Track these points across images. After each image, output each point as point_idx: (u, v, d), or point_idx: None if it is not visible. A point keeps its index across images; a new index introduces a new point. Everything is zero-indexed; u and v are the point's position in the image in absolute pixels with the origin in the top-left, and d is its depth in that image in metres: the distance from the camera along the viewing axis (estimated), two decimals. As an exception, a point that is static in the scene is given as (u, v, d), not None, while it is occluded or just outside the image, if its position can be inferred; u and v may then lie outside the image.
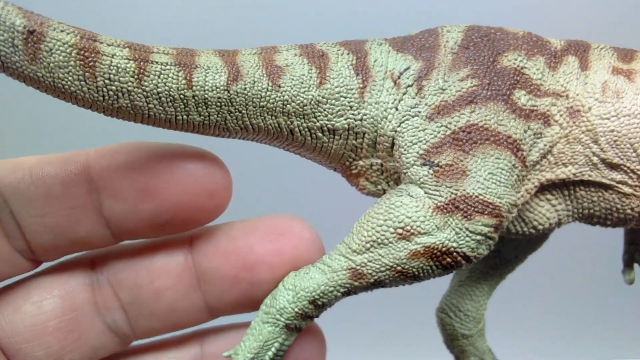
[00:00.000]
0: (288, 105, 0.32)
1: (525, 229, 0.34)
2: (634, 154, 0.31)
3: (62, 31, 0.27)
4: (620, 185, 0.32)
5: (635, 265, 0.40)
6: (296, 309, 0.31)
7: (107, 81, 0.28)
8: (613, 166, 0.32)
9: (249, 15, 0.82)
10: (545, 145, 0.32)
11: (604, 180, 0.32)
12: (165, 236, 0.33)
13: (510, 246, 0.39)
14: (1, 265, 0.31)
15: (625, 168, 0.32)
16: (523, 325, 0.90)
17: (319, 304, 0.31)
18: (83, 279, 0.33)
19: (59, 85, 0.28)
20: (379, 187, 0.34)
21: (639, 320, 0.89)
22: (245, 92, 0.31)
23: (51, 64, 0.27)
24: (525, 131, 0.32)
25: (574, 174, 0.32)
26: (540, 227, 0.33)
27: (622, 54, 0.33)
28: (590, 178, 0.32)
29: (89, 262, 0.33)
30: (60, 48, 0.27)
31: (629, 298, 0.86)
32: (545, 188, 0.33)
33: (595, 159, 0.32)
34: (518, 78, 0.32)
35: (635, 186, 0.32)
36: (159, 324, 0.33)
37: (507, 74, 0.32)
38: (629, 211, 0.32)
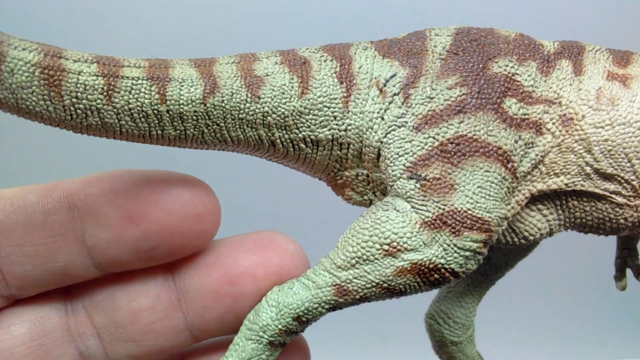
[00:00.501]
0: (269, 117, 0.30)
1: (515, 239, 0.33)
2: (628, 164, 0.30)
3: (23, 49, 0.26)
4: (613, 196, 0.31)
5: (628, 270, 0.40)
6: (280, 326, 0.30)
7: (74, 99, 0.27)
8: (607, 176, 0.31)
9: (234, 16, 0.80)
10: (536, 155, 0.31)
11: (597, 191, 0.31)
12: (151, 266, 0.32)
13: (500, 253, 0.39)
14: None
15: (619, 178, 0.31)
16: (523, 325, 0.90)
17: (303, 320, 0.30)
18: (56, 304, 0.32)
19: (23, 106, 0.26)
20: (366, 197, 0.33)
21: (638, 320, 0.89)
22: (223, 104, 0.29)
23: (13, 85, 0.26)
24: (516, 141, 0.30)
25: (566, 184, 0.31)
26: (531, 237, 0.33)
27: (618, 57, 0.32)
28: (583, 188, 0.31)
29: (63, 287, 0.32)
30: (22, 68, 0.26)
31: (629, 298, 0.85)
32: (537, 198, 0.32)
33: (588, 169, 0.31)
34: (509, 85, 0.30)
35: (629, 196, 0.31)
36: (136, 349, 0.32)
37: (498, 81, 0.30)
38: (622, 221, 0.32)
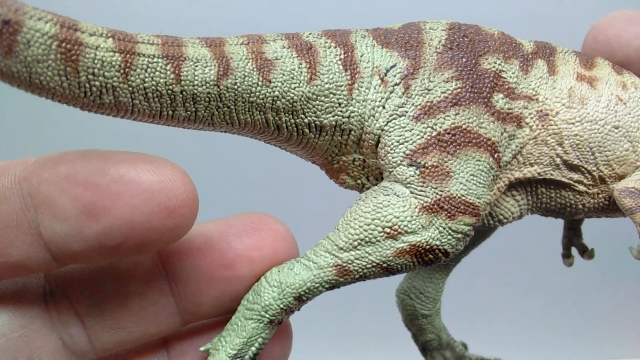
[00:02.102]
0: (278, 102, 0.31)
1: (491, 222, 0.36)
2: (592, 157, 0.34)
3: (39, 19, 0.24)
4: (576, 184, 0.35)
5: (574, 249, 0.45)
6: (282, 305, 0.31)
7: (90, 76, 0.25)
8: (573, 167, 0.35)
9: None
10: (516, 146, 0.34)
11: (563, 179, 0.35)
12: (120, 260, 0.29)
13: (470, 234, 0.42)
14: None
15: (582, 169, 0.35)
16: (522, 325, 0.90)
17: (303, 299, 0.32)
18: (36, 292, 0.29)
19: (36, 81, 0.24)
20: (359, 181, 0.35)
21: (638, 321, 0.89)
22: (236, 87, 0.29)
23: (28, 58, 0.24)
24: (502, 133, 0.33)
25: (538, 173, 0.35)
26: (505, 220, 0.36)
27: (584, 60, 0.36)
28: (552, 177, 0.35)
29: (43, 273, 0.30)
30: (40, 40, 0.24)
31: (629, 298, 0.87)
32: (512, 185, 0.35)
33: (558, 160, 0.34)
34: (497, 81, 0.33)
35: (589, 185, 0.35)
36: (123, 335, 0.30)
37: (488, 76, 0.33)
38: (580, 207, 0.36)
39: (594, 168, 0.35)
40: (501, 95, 0.33)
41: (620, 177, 0.35)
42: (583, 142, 0.34)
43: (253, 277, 0.31)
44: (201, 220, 0.32)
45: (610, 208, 0.36)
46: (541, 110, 0.34)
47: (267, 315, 0.31)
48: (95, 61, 0.25)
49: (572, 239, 0.45)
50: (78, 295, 0.30)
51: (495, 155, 0.33)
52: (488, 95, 0.33)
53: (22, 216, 0.26)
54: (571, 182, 0.35)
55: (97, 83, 0.26)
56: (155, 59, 0.27)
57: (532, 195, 0.36)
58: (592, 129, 0.34)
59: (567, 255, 0.45)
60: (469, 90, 0.32)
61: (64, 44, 0.24)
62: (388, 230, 0.31)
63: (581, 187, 0.35)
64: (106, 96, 0.26)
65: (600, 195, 0.35)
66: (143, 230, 0.26)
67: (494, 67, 0.33)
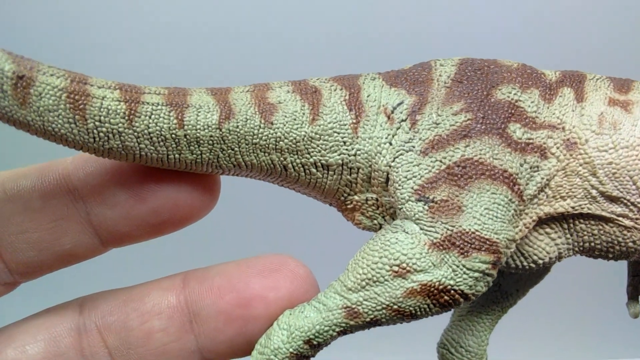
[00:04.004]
0: (281, 142, 0.31)
1: (525, 263, 0.33)
2: (633, 187, 0.31)
3: (51, 75, 0.27)
4: (620, 218, 0.31)
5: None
6: (291, 349, 0.30)
7: (97, 123, 0.28)
8: (613, 199, 0.31)
9: (245, 45, 0.83)
10: (542, 178, 0.31)
11: (603, 214, 0.31)
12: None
13: (511, 280, 0.39)
14: None
15: (625, 201, 0.31)
16: (522, 325, 0.87)
17: (314, 344, 0.31)
18: (70, 324, 0.32)
19: (49, 128, 0.28)
20: (375, 221, 0.34)
21: (638, 320, 0.88)
22: (238, 129, 0.31)
23: (41, 108, 0.27)
24: (521, 165, 0.31)
25: (572, 207, 0.32)
26: (540, 261, 0.33)
27: (619, 85, 0.33)
28: (589, 211, 0.32)
29: (77, 306, 0.33)
30: (50, 92, 0.27)
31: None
32: (544, 222, 0.32)
33: (594, 192, 0.31)
34: (512, 111, 0.32)
35: (637, 219, 0.31)
36: None
37: (502, 107, 0.32)
38: (630, 244, 0.32)
39: (639, 199, 0.31)
40: (518, 125, 0.31)
41: None
42: (620, 171, 0.31)
43: (268, 318, 0.31)
44: (227, 259, 0.33)
45: None
46: (568, 139, 0.32)
47: (276, 359, 0.30)
48: (102, 109, 0.28)
49: (639, 287, 0.39)
50: (107, 329, 0.32)
51: (515, 188, 0.31)
52: (503, 125, 0.31)
53: (72, 207, 0.30)
54: (613, 216, 0.31)
55: (104, 129, 0.28)
56: (159, 107, 0.29)
57: (570, 232, 0.33)
58: (629, 156, 0.31)
59: (632, 305, 0.40)
60: (480, 121, 0.31)
61: (72, 95, 0.27)
62: (396, 268, 0.30)
63: (627, 222, 0.31)
64: (113, 141, 0.29)
65: None
66: (185, 206, 0.31)
67: (508, 97, 0.32)
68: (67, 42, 0.81)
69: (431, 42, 0.78)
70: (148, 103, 0.29)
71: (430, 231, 0.30)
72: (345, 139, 0.32)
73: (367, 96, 0.33)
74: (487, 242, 0.30)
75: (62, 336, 0.32)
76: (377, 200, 0.33)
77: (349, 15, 0.81)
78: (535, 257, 0.33)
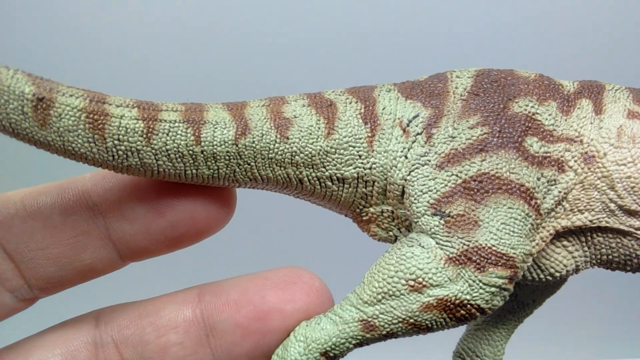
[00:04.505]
0: (297, 157, 0.32)
1: (541, 276, 0.33)
2: None
3: (71, 96, 0.28)
4: (639, 232, 0.31)
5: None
6: None
7: (116, 142, 0.29)
8: (631, 213, 0.31)
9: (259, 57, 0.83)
10: (559, 192, 0.31)
11: (622, 227, 0.31)
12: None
13: (527, 290, 0.38)
14: None
15: None
16: (522, 325, 0.89)
17: (330, 356, 0.31)
18: (86, 337, 0.32)
19: (69, 147, 0.28)
20: (391, 233, 0.34)
21: (638, 321, 0.88)
22: (254, 145, 0.31)
23: (61, 129, 0.28)
24: (538, 179, 0.31)
25: (590, 221, 0.31)
26: (557, 274, 0.33)
27: (638, 96, 0.33)
28: (607, 225, 0.31)
29: (93, 320, 0.33)
30: (70, 113, 0.28)
31: (629, 298, 0.85)
32: (561, 235, 0.32)
33: (612, 206, 0.31)
34: (529, 124, 0.31)
35: None
36: None
37: (518, 120, 0.31)
38: None
39: None
40: (535, 139, 0.31)
41: None
42: (639, 185, 0.31)
43: (285, 330, 0.32)
44: (241, 272, 0.33)
45: None
46: (586, 152, 0.31)
47: None
48: (120, 128, 0.29)
49: None
50: (123, 343, 0.32)
51: (532, 202, 0.31)
52: (519, 139, 0.31)
53: (92, 223, 0.31)
54: (632, 229, 0.31)
55: (123, 147, 0.29)
56: (176, 124, 0.30)
57: (587, 245, 0.32)
58: None
59: None
60: (497, 135, 0.31)
61: (91, 115, 0.28)
62: (412, 283, 0.30)
63: None
64: (132, 158, 0.29)
65: None
66: (203, 219, 0.31)
67: (525, 110, 0.32)
68: (70, 44, 0.81)
69: (442, 43, 0.78)
70: (165, 120, 0.30)
71: (446, 246, 0.30)
72: (360, 152, 0.32)
73: (383, 109, 0.33)
74: (504, 257, 0.30)
75: (79, 350, 0.32)
76: (392, 212, 0.33)
77: (360, 18, 0.81)
78: (552, 270, 0.33)
